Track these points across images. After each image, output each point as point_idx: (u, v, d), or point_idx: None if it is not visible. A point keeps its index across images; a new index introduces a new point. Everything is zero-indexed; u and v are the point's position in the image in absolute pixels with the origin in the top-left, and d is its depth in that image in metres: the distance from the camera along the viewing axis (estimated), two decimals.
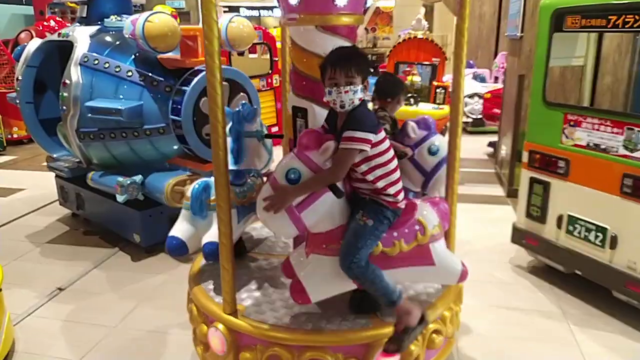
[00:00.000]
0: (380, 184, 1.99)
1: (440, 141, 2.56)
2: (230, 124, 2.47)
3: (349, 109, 1.94)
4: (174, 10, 9.86)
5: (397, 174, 2.05)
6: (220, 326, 2.17)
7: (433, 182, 2.56)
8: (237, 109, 2.50)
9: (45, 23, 9.36)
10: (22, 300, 3.36)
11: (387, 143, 2.01)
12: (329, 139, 1.96)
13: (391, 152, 2.03)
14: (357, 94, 1.92)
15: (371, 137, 1.90)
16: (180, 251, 2.44)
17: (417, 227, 2.08)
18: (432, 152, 2.55)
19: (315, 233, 2.05)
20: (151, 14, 3.45)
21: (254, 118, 2.52)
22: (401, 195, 2.07)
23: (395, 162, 2.05)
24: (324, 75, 1.97)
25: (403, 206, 2.09)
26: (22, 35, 9.12)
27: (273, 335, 2.10)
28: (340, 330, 2.11)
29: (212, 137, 2.01)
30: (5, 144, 7.93)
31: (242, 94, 3.78)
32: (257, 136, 2.57)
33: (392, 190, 2.02)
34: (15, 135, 8.23)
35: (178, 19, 4.35)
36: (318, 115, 2.26)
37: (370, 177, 1.98)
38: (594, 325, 3.01)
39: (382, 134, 2.00)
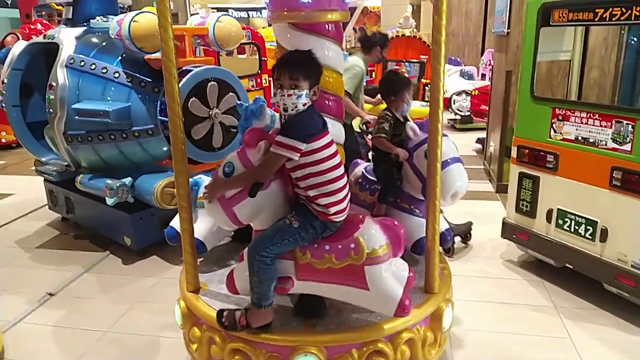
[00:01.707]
0: (312, 193, 1.95)
1: (443, 144, 2.45)
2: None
3: (293, 113, 1.92)
4: None
5: (337, 186, 1.97)
6: (181, 302, 2.39)
7: None
8: (246, 105, 2.47)
9: (31, 26, 9.22)
10: (12, 306, 3.32)
11: (326, 152, 1.94)
12: (269, 138, 1.97)
13: (332, 163, 1.96)
14: (301, 98, 1.90)
15: (300, 145, 1.86)
16: (175, 240, 2.64)
17: (352, 246, 1.98)
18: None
19: (257, 230, 2.11)
20: (137, 14, 3.42)
21: (262, 114, 2.49)
22: (336, 208, 1.97)
23: (337, 173, 1.97)
24: (273, 77, 1.97)
25: (338, 220, 2.01)
26: (8, 38, 8.96)
27: (208, 317, 2.20)
28: (282, 330, 2.11)
29: (169, 115, 2.19)
30: None
31: (231, 93, 3.76)
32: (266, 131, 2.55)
33: (323, 201, 1.95)
34: (3, 140, 8.12)
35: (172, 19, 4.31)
36: None
37: (302, 184, 1.96)
38: (586, 319, 3.03)
39: (321, 142, 1.93)
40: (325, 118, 2.25)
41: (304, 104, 1.92)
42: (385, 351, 2.07)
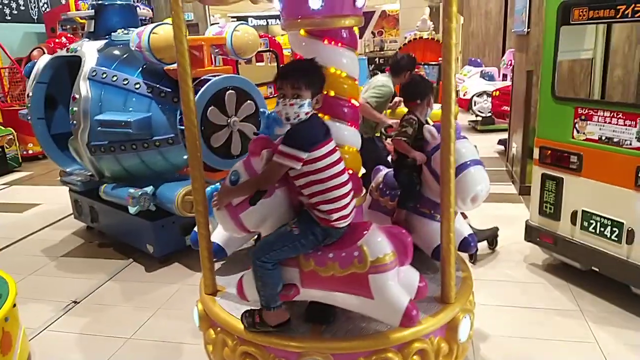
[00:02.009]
0: (314, 200, 1.95)
1: (458, 147, 2.34)
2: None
3: (295, 122, 1.92)
4: None
5: (340, 192, 1.96)
6: (199, 305, 2.43)
7: None
8: (268, 113, 2.48)
9: (56, 40, 9.51)
10: (37, 314, 3.39)
11: (328, 160, 1.94)
12: (273, 147, 1.98)
13: (335, 170, 1.95)
14: (303, 107, 1.90)
15: (302, 154, 1.87)
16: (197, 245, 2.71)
17: (355, 254, 1.95)
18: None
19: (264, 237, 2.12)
20: (156, 26, 3.49)
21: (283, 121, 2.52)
22: (339, 214, 1.96)
23: (340, 180, 1.96)
24: (276, 86, 1.98)
25: (341, 226, 2.00)
26: (35, 52, 9.27)
27: (222, 319, 2.24)
28: (290, 335, 2.10)
29: (185, 123, 2.28)
30: (20, 160, 8.05)
31: (249, 101, 3.79)
32: None
33: (325, 207, 1.94)
34: (30, 151, 8.36)
35: (187, 32, 4.37)
36: None
37: (306, 192, 1.97)
38: (613, 323, 2.95)
39: (323, 150, 1.92)
40: (340, 124, 2.27)
41: (307, 113, 1.92)
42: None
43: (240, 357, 2.16)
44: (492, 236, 3.96)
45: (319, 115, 2.07)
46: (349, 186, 2.01)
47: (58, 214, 5.52)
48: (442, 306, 2.19)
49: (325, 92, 2.18)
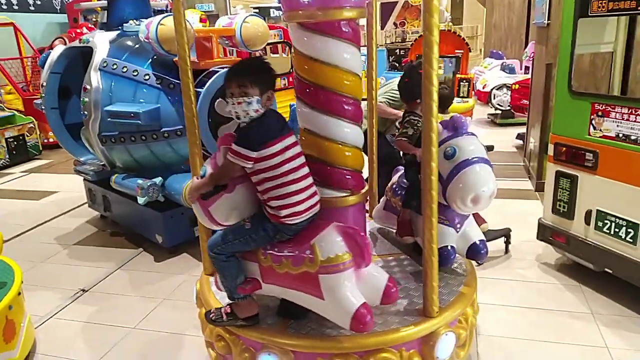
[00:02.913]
0: (266, 196, 1.99)
1: (462, 143, 2.29)
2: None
3: (246, 120, 1.94)
4: (203, 13, 9.96)
5: (292, 189, 1.96)
6: (197, 284, 2.58)
7: (449, 191, 2.27)
8: (295, 106, 2.47)
9: (78, 30, 9.63)
10: (45, 302, 3.45)
11: (281, 157, 1.94)
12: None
13: (289, 166, 1.96)
14: (251, 105, 1.91)
15: (250, 154, 1.89)
16: None
17: (307, 252, 1.94)
18: (447, 156, 2.27)
19: None
20: (164, 17, 3.47)
21: None
22: (288, 211, 1.96)
23: (293, 176, 1.96)
24: (225, 87, 2.00)
25: (292, 223, 1.99)
26: (56, 42, 9.38)
27: (206, 300, 2.37)
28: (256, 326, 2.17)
29: (185, 114, 2.33)
30: (41, 148, 8.20)
31: None
32: None
33: (274, 204, 1.97)
34: (51, 140, 8.50)
35: (207, 22, 4.36)
36: (321, 122, 2.22)
37: (259, 188, 2.00)
38: (626, 327, 2.85)
39: (277, 147, 1.93)
40: (341, 121, 2.22)
41: (256, 111, 1.93)
42: None
43: (215, 338, 2.27)
44: (501, 236, 3.83)
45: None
46: (305, 183, 2.01)
47: (74, 202, 5.60)
48: (421, 319, 2.11)
49: (324, 87, 2.15)
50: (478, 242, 2.44)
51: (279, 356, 2.06)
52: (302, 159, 2.03)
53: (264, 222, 2.01)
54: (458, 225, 2.45)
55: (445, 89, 3.32)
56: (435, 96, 1.86)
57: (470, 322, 2.32)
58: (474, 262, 2.66)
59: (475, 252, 2.42)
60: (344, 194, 2.29)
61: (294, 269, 1.96)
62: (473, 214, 2.59)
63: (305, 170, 2.03)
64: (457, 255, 2.47)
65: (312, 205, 2.03)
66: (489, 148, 3.23)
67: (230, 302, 2.17)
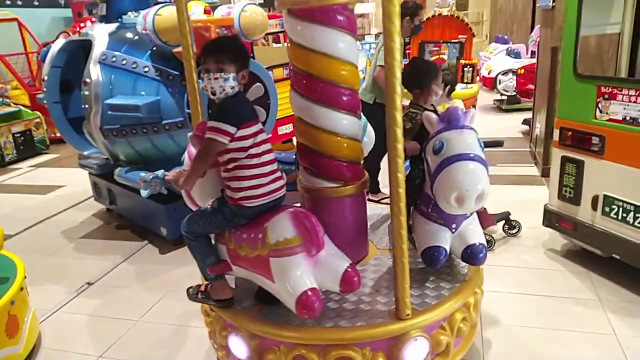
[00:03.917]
0: (227, 175, 2.03)
1: (451, 137, 2.10)
2: None
3: (222, 97, 1.96)
4: (207, 4, 9.89)
5: (251, 172, 1.99)
6: None
7: (435, 188, 2.09)
8: None
9: (82, 24, 9.60)
10: (51, 295, 3.47)
11: (252, 141, 1.97)
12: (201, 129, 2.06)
13: (255, 151, 1.99)
14: (228, 81, 1.94)
15: (231, 130, 1.90)
16: None
17: (260, 236, 1.97)
18: (435, 150, 2.11)
19: None
20: (161, 7, 3.44)
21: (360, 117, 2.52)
22: (244, 194, 1.99)
23: (256, 161, 1.99)
24: (200, 63, 2.01)
25: (247, 205, 2.01)
26: (61, 37, 9.41)
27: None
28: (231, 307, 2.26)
29: (190, 102, 2.40)
30: (48, 143, 8.23)
31: (258, 84, 3.71)
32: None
33: (233, 185, 2.01)
34: (58, 134, 8.52)
35: (212, 14, 4.33)
36: (317, 113, 2.20)
37: (223, 168, 2.03)
38: (634, 314, 2.81)
39: (248, 131, 1.95)
40: (338, 113, 2.19)
41: (232, 87, 1.95)
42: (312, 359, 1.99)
43: (204, 312, 2.47)
44: (501, 220, 3.77)
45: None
46: (267, 169, 2.04)
47: (80, 195, 5.63)
48: (391, 320, 2.02)
49: (319, 77, 2.12)
50: (477, 245, 2.25)
51: (246, 340, 2.11)
52: (268, 146, 2.06)
53: (223, 205, 2.07)
54: (454, 226, 2.28)
55: (447, 74, 3.25)
56: (398, 89, 1.75)
57: (459, 329, 2.17)
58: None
59: (470, 256, 2.24)
60: (339, 185, 2.27)
61: (251, 252, 2.01)
62: (480, 213, 2.46)
63: (270, 157, 2.06)
64: (452, 256, 2.36)
65: (271, 191, 2.05)
66: (499, 143, 3.15)
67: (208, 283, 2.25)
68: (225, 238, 2.13)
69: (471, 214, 2.32)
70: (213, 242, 2.23)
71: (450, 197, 2.02)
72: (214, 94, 1.96)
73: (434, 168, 2.10)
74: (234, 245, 2.09)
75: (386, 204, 2.52)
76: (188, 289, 2.36)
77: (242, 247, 2.04)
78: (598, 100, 3.03)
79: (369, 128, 2.57)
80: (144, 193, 3.79)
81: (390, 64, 1.74)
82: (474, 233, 2.30)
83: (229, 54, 1.95)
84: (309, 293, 1.89)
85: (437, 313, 2.08)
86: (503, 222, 3.80)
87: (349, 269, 1.96)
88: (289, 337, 2.02)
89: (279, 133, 6.02)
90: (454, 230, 2.28)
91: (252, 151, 1.99)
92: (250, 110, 2.03)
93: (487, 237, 3.59)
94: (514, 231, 3.81)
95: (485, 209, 2.51)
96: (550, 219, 3.44)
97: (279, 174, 2.11)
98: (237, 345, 2.16)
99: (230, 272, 2.19)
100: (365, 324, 2.01)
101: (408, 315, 1.99)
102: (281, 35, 7.38)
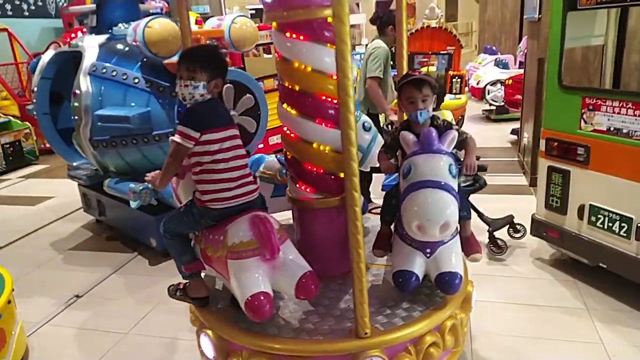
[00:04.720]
0: (197, 178, 2.09)
1: (419, 162, 2.04)
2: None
3: (191, 103, 2.03)
4: (198, 15, 9.92)
5: (219, 176, 2.04)
6: None
7: (401, 211, 2.05)
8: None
9: (73, 35, 9.59)
10: (39, 308, 3.44)
11: (220, 146, 2.03)
12: None
13: (224, 156, 2.04)
14: (197, 89, 2.00)
15: (194, 134, 1.97)
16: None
17: (221, 238, 2.04)
18: (403, 174, 2.10)
19: None
20: (151, 19, 3.46)
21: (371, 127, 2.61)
22: (211, 197, 2.06)
23: (225, 166, 2.04)
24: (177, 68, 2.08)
25: (213, 207, 2.07)
26: (51, 47, 9.38)
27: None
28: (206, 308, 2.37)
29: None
30: (37, 154, 8.19)
31: (248, 95, 3.75)
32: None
33: (201, 187, 2.08)
34: (47, 145, 8.48)
35: (203, 25, 4.36)
36: (305, 128, 2.23)
37: (193, 170, 2.10)
38: (621, 322, 2.84)
39: (216, 136, 2.01)
40: (327, 129, 2.21)
41: (202, 95, 2.02)
42: None
43: (189, 309, 2.52)
44: (504, 225, 3.81)
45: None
46: (235, 174, 2.08)
47: (70, 207, 5.59)
48: (349, 338, 1.98)
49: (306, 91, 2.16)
50: (451, 273, 2.11)
51: (213, 340, 2.17)
52: (239, 152, 2.11)
53: (192, 206, 2.13)
54: (428, 251, 2.15)
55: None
56: (351, 107, 1.71)
57: (427, 353, 2.07)
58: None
59: (442, 284, 2.12)
60: (323, 196, 2.30)
61: (214, 252, 2.08)
62: (465, 239, 2.34)
63: (240, 162, 2.10)
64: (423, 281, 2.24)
65: (239, 195, 2.09)
66: (482, 168, 3.15)
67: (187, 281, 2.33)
68: (198, 238, 2.23)
69: (451, 239, 2.18)
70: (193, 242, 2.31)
71: (412, 225, 1.97)
72: (184, 99, 2.04)
73: (402, 192, 2.05)
74: (204, 245, 2.17)
75: (377, 214, 2.51)
76: (169, 286, 2.45)
77: (209, 247, 2.12)
78: (583, 111, 3.08)
79: (379, 138, 2.61)
80: (133, 204, 3.79)
81: (343, 84, 1.71)
82: (451, 260, 2.15)
83: (201, 62, 2.01)
84: (260, 297, 1.91)
85: (400, 335, 2.00)
86: (507, 226, 3.82)
87: (307, 276, 1.97)
88: (251, 343, 2.05)
89: (270, 143, 6.05)
90: (428, 255, 2.15)
91: (219, 156, 2.03)
92: (221, 116, 2.08)
93: (500, 242, 3.64)
94: (518, 235, 3.83)
95: (472, 234, 2.42)
96: (538, 228, 3.48)
97: (249, 178, 2.15)
98: (206, 344, 2.23)
99: (204, 270, 2.28)
100: (324, 338, 1.99)
101: (366, 334, 1.93)
102: (272, 46, 7.44)
